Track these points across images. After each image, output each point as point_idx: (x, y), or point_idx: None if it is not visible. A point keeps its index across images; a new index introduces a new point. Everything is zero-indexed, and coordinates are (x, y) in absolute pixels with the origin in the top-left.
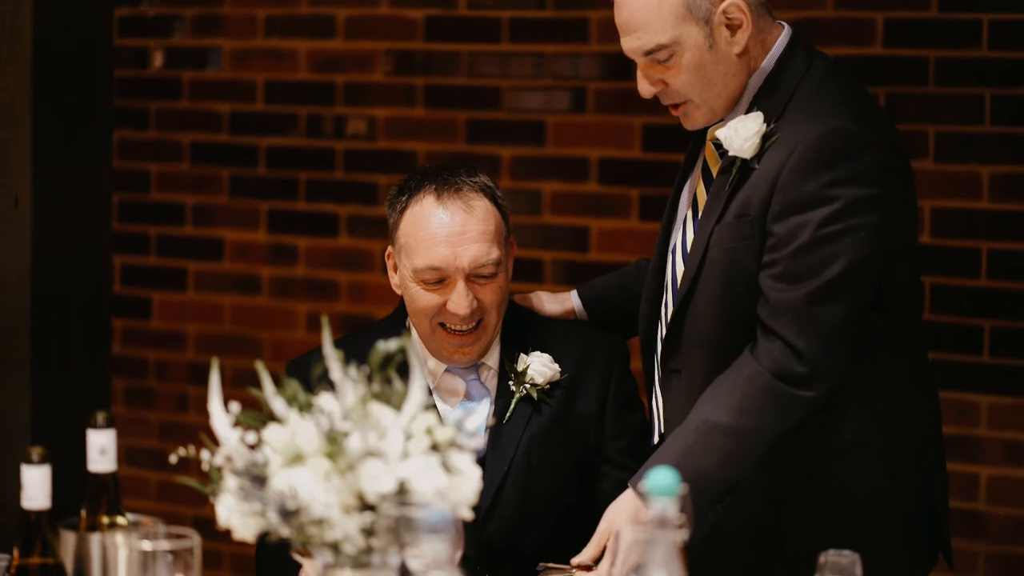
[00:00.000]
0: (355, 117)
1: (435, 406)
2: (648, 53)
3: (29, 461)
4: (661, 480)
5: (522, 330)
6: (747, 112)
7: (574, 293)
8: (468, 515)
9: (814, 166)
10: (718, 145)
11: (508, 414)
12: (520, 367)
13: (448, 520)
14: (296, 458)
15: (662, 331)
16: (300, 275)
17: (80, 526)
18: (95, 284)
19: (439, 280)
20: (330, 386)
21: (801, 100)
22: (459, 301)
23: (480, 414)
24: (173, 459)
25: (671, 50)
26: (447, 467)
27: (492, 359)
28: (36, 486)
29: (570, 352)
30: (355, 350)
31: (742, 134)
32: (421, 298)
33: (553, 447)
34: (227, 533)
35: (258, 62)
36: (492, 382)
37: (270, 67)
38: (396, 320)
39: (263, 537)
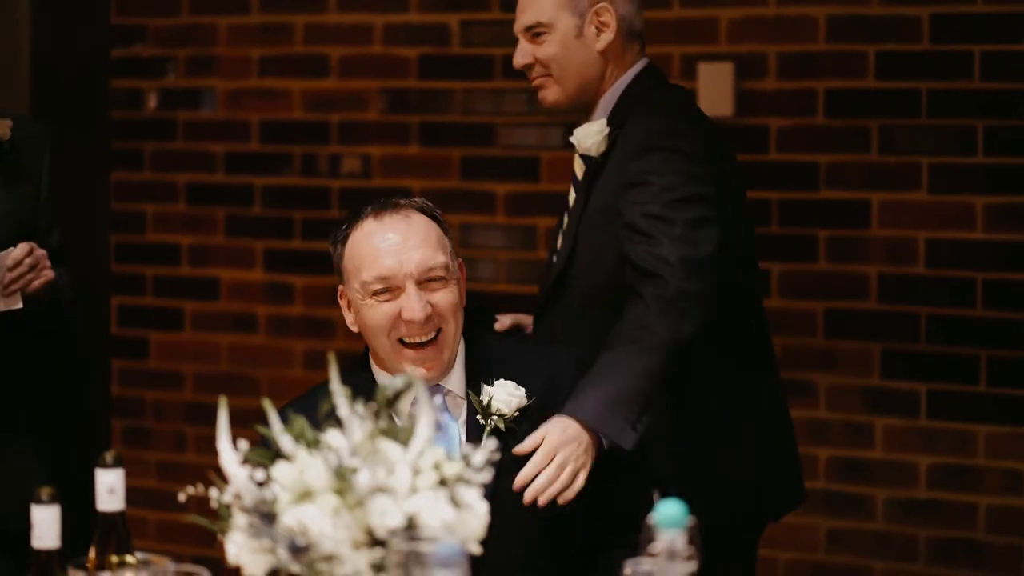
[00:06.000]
0: (350, 155)
1: None
2: (528, 28)
3: (39, 501)
4: (670, 512)
5: (484, 358)
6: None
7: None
8: (476, 549)
9: (645, 148)
10: (583, 156)
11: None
12: (485, 399)
13: (458, 554)
14: (305, 495)
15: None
16: (297, 313)
17: (90, 565)
18: (95, 325)
19: (390, 290)
20: (336, 423)
21: (639, 111)
22: (413, 305)
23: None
24: (182, 497)
25: (546, 28)
26: (455, 501)
27: (455, 384)
28: (46, 526)
29: (536, 370)
30: (312, 411)
31: (590, 135)
32: (376, 313)
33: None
34: (232, 572)
35: (252, 102)
36: (461, 417)
37: (264, 107)
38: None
39: (272, 574)
